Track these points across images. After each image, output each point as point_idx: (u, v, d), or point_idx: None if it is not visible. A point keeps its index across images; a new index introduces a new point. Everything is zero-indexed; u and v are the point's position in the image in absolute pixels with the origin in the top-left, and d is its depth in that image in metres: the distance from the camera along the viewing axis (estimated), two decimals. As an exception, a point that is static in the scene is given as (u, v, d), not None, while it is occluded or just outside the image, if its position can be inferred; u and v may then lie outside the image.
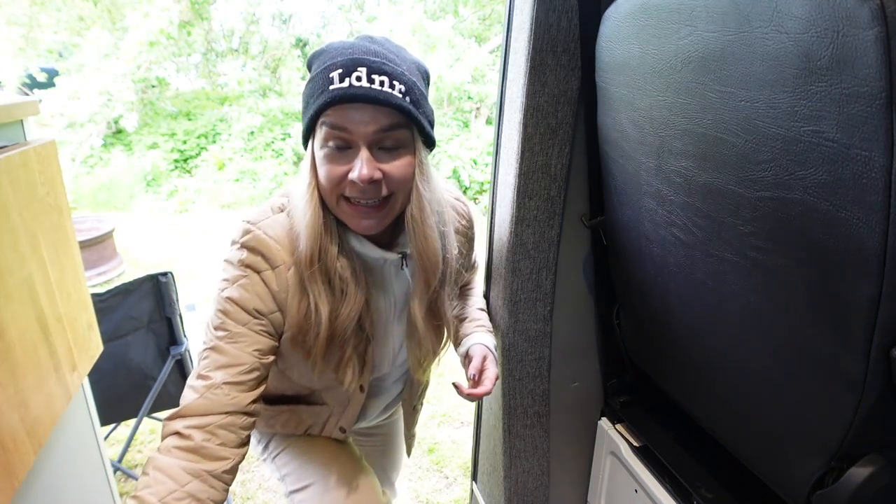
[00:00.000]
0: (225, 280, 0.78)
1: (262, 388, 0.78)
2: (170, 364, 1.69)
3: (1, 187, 0.76)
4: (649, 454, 1.10)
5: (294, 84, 6.61)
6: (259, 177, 5.83)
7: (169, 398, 1.77)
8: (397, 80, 0.70)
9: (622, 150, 0.89)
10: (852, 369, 0.60)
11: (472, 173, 5.68)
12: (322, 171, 0.73)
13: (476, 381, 0.93)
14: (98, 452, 1.16)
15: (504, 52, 1.05)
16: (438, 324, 0.90)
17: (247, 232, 0.78)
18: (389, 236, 0.84)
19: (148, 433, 2.13)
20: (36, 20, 5.40)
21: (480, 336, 1.03)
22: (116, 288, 1.56)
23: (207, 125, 6.29)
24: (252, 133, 6.15)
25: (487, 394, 0.92)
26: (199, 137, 6.19)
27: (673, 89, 0.73)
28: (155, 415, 1.87)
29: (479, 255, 1.12)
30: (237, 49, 6.85)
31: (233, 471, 0.73)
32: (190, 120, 6.40)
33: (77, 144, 5.52)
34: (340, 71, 0.69)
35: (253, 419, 0.76)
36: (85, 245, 3.41)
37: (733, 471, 0.97)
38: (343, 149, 0.72)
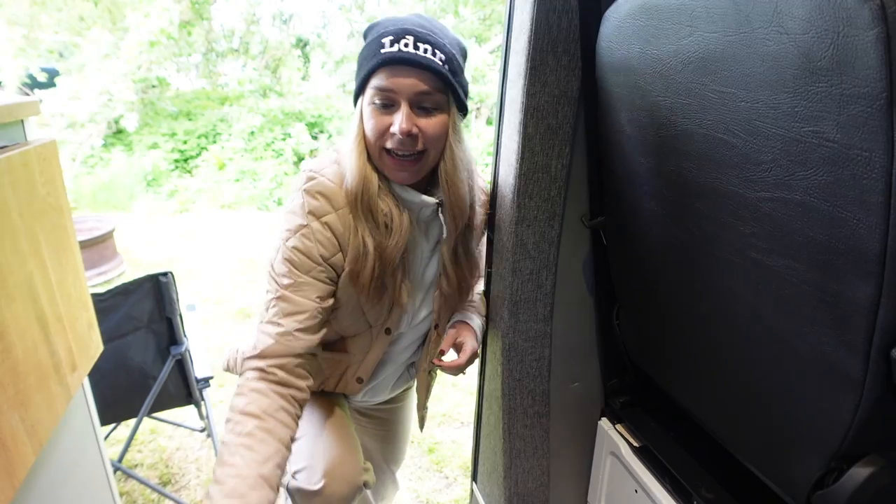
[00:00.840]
0: (287, 230, 0.87)
1: (325, 329, 0.91)
2: (170, 364, 1.69)
3: (1, 187, 0.76)
4: (649, 454, 1.10)
5: (294, 84, 6.61)
6: (259, 177, 5.82)
7: (169, 398, 1.77)
8: (439, 50, 0.81)
9: (622, 150, 0.89)
10: (852, 369, 0.60)
11: (473, 173, 5.68)
12: (368, 124, 0.84)
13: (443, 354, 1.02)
14: (98, 452, 1.16)
15: (504, 52, 1.05)
16: (467, 263, 1.03)
17: (310, 178, 0.88)
18: (425, 188, 0.95)
19: (148, 433, 2.13)
20: (36, 20, 5.40)
21: (466, 315, 1.11)
22: (116, 288, 1.56)
23: (208, 125, 6.29)
24: (252, 133, 6.15)
25: (459, 365, 1.01)
26: (199, 137, 6.19)
27: (673, 90, 0.73)
28: (155, 415, 1.87)
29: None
30: (237, 49, 6.85)
31: (308, 391, 0.89)
32: (190, 120, 6.40)
33: (77, 144, 5.52)
34: (391, 38, 0.80)
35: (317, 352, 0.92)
36: (85, 245, 3.41)
37: (733, 471, 0.97)
38: (388, 105, 0.83)
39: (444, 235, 0.97)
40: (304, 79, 6.85)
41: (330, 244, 0.88)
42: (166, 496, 1.82)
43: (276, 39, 6.75)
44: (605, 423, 1.24)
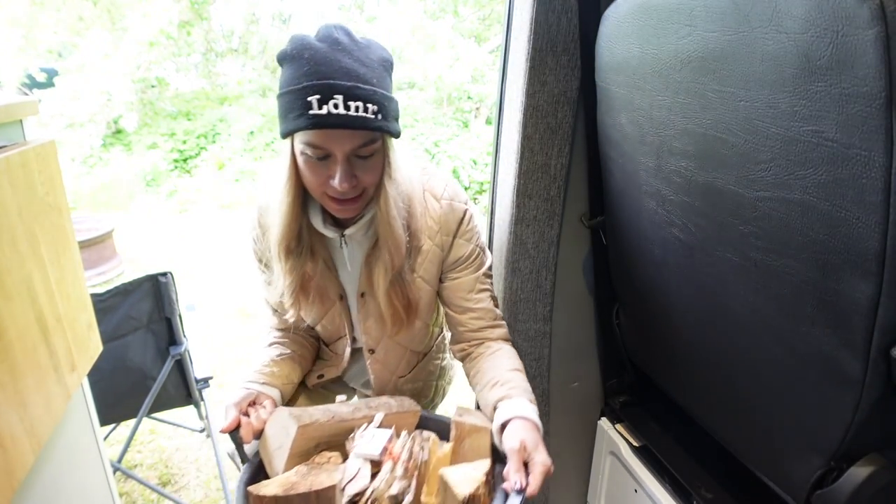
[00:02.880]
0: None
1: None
2: (169, 364, 1.69)
3: (0, 187, 0.76)
4: (649, 454, 1.10)
5: (294, 84, 6.59)
6: (259, 177, 5.82)
7: (168, 398, 1.77)
8: (370, 101, 0.78)
9: (622, 149, 0.89)
10: (852, 369, 0.60)
11: (472, 173, 5.68)
12: (305, 174, 0.84)
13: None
14: (98, 452, 1.16)
15: (504, 52, 1.04)
16: (402, 301, 0.95)
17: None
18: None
19: (147, 433, 2.13)
20: (36, 20, 5.39)
21: (520, 403, 0.83)
22: (116, 288, 1.56)
23: (207, 125, 6.28)
24: (252, 133, 6.14)
25: (534, 494, 0.72)
26: (198, 137, 6.18)
27: (672, 89, 0.73)
28: (154, 415, 1.87)
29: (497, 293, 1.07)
30: (237, 49, 6.85)
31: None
32: (189, 120, 6.39)
33: (76, 144, 5.51)
34: (318, 97, 0.77)
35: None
36: (84, 245, 3.41)
37: (733, 471, 0.97)
38: (322, 158, 0.81)
39: (349, 269, 0.96)
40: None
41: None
42: (166, 496, 1.82)
43: (275, 39, 6.75)
44: (604, 422, 1.24)
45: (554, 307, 1.17)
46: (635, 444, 1.14)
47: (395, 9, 6.62)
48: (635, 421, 1.17)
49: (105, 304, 1.54)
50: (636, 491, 1.12)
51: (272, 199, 0.92)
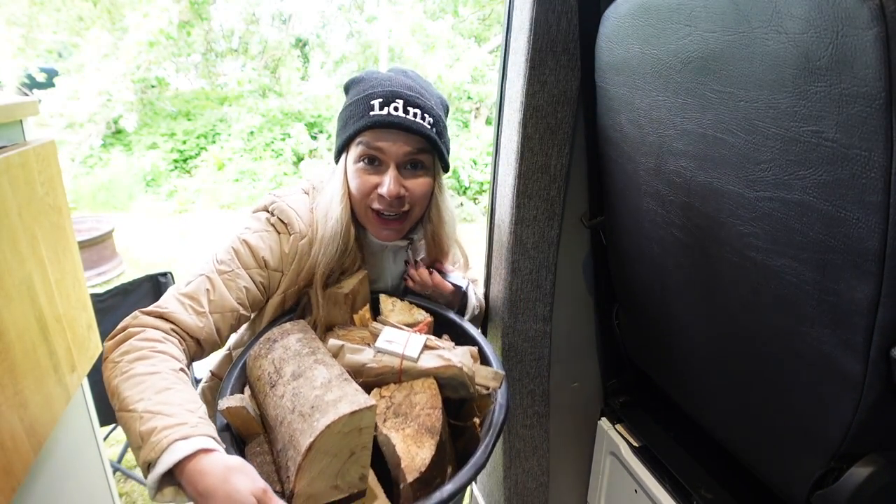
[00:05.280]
0: (247, 228, 0.88)
1: (236, 328, 0.86)
2: (169, 364, 1.69)
3: (0, 187, 0.76)
4: (649, 454, 1.10)
5: (293, 84, 6.60)
6: (259, 177, 5.82)
7: (168, 398, 1.77)
8: (427, 113, 0.84)
9: (622, 150, 0.89)
10: (852, 369, 0.60)
11: (472, 173, 5.68)
12: (354, 183, 0.86)
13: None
14: (97, 453, 1.16)
15: (504, 52, 1.04)
16: None
17: (272, 202, 0.89)
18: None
19: (147, 433, 2.13)
20: (35, 20, 5.39)
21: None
22: (116, 288, 1.56)
23: (207, 125, 6.28)
24: (252, 133, 6.14)
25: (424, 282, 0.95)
26: (198, 137, 6.18)
27: (672, 89, 0.73)
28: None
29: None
30: (237, 49, 6.85)
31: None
32: (189, 120, 6.39)
33: (76, 144, 5.51)
34: (381, 100, 0.82)
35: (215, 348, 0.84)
36: (84, 245, 3.41)
37: (733, 471, 0.97)
38: (375, 164, 0.85)
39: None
40: (303, 79, 6.85)
41: (277, 258, 0.87)
42: (166, 496, 1.82)
43: (275, 39, 6.75)
44: (604, 422, 1.24)
45: (554, 307, 1.17)
46: (635, 444, 1.14)
47: (394, 9, 6.62)
48: (635, 421, 1.17)
49: (105, 304, 1.54)
50: (636, 491, 1.12)
51: (319, 221, 0.89)
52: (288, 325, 0.84)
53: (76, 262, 1.00)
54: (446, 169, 0.92)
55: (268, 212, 0.89)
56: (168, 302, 0.79)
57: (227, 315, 0.82)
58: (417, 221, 0.94)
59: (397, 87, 0.84)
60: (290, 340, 0.79)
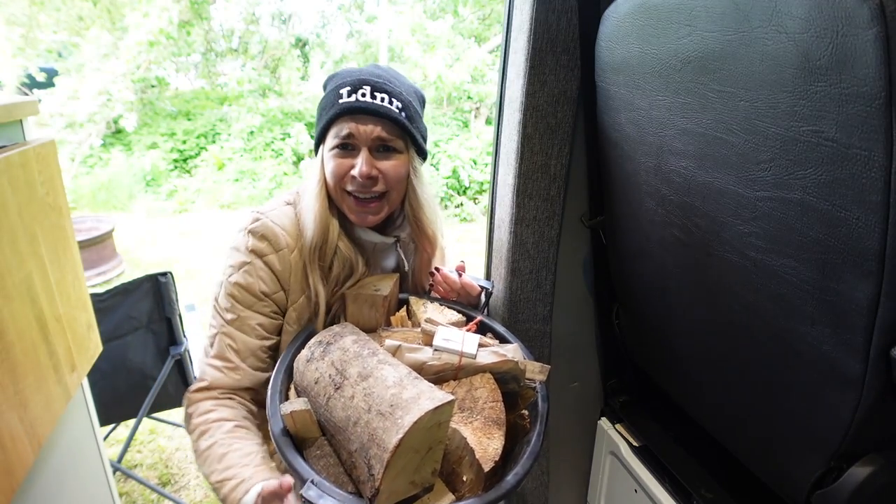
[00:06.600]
0: (231, 266, 0.90)
1: (275, 350, 0.92)
2: (169, 364, 1.69)
3: (0, 187, 0.76)
4: (649, 454, 1.10)
5: (293, 84, 6.59)
6: (259, 177, 5.82)
7: (168, 398, 1.77)
8: (395, 98, 0.86)
9: (622, 149, 0.89)
10: (852, 369, 0.60)
11: (472, 173, 5.67)
12: (329, 168, 0.88)
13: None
14: (97, 452, 1.16)
15: (504, 51, 1.04)
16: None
17: (255, 220, 0.90)
18: (382, 228, 0.98)
19: (147, 433, 2.13)
20: (35, 20, 5.38)
21: None
22: (116, 288, 1.56)
23: (207, 125, 6.28)
24: (252, 133, 6.14)
25: (454, 285, 0.98)
26: (198, 137, 6.18)
27: (672, 89, 0.73)
28: (154, 415, 1.87)
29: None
30: (237, 49, 6.84)
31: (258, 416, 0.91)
32: (189, 120, 6.39)
33: (76, 144, 5.51)
34: (349, 88, 0.85)
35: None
36: (84, 245, 3.41)
37: (733, 471, 0.97)
38: (348, 149, 0.86)
39: (406, 269, 1.01)
40: (303, 79, 6.84)
41: (271, 281, 0.89)
42: (166, 496, 1.82)
43: (275, 39, 6.74)
44: (604, 422, 1.24)
45: (554, 307, 1.16)
46: (635, 444, 1.14)
47: (394, 8, 6.61)
48: (635, 421, 1.17)
49: (105, 304, 1.54)
50: (636, 491, 1.12)
51: (303, 218, 0.90)
52: (336, 327, 0.86)
53: (76, 262, 1.00)
54: (423, 155, 0.93)
55: (250, 233, 0.88)
56: (204, 373, 0.89)
57: (258, 353, 0.90)
58: (401, 214, 0.97)
59: (365, 75, 0.86)
60: (346, 342, 0.80)
